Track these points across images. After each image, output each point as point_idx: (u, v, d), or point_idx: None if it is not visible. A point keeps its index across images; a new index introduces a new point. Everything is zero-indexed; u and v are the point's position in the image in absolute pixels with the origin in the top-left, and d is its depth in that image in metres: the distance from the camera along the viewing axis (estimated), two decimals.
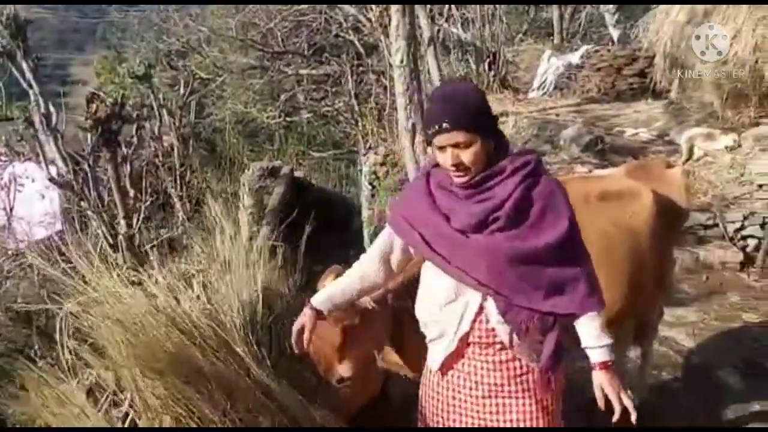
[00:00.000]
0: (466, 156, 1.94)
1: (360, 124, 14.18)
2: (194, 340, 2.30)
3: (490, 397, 2.09)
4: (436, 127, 1.94)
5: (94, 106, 5.40)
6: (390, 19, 8.24)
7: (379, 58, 14.16)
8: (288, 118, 16.62)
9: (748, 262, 5.77)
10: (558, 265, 2.01)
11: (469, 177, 1.98)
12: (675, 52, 8.80)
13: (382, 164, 12.09)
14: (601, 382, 2.04)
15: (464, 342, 2.08)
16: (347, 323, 2.31)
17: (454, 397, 2.14)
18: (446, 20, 12.69)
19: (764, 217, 5.92)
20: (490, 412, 2.09)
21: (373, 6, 9.92)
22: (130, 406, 2.19)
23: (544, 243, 1.97)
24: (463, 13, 12.81)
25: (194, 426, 1.87)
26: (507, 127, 8.89)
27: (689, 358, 4.28)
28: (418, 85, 8.73)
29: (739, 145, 6.89)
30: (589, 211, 2.74)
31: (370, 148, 13.19)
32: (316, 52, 16.18)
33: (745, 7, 7.70)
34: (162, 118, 11.13)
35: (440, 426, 2.16)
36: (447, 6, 12.76)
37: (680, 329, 4.68)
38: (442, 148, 1.96)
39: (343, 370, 2.33)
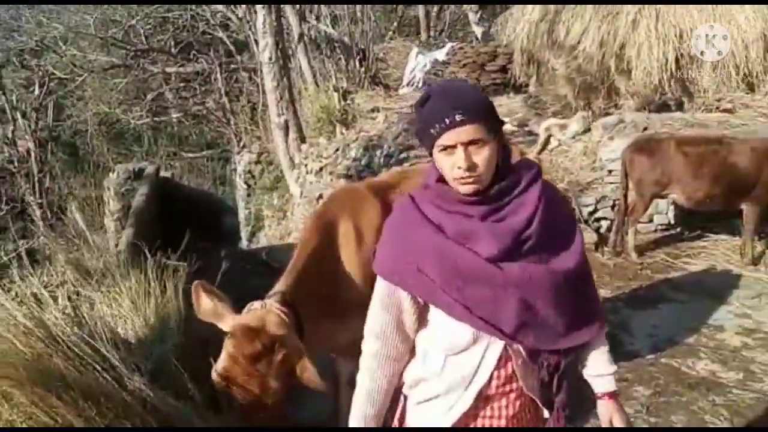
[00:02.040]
0: (480, 157, 1.57)
1: (232, 122, 13.99)
2: (57, 349, 2.22)
3: None
4: (446, 121, 1.55)
5: None
6: (256, 16, 8.22)
7: (250, 55, 14.01)
8: (156, 118, 16.10)
9: (601, 242, 6.20)
10: (584, 284, 1.74)
11: (479, 185, 1.60)
12: (532, 48, 9.35)
13: (257, 162, 12.03)
14: (612, 414, 1.80)
15: (479, 397, 1.71)
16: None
17: None
18: (316, 18, 12.75)
19: (614, 200, 6.36)
20: None
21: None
22: None
23: (575, 261, 1.69)
24: (332, 11, 12.92)
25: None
26: (378, 122, 9.08)
27: None
28: (289, 82, 8.77)
29: (589, 129, 7.38)
30: None
31: (243, 147, 13.05)
32: (183, 49, 15.77)
33: (590, 6, 8.29)
34: (16, 121, 10.52)
35: None
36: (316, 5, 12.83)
37: None
38: (449, 149, 1.58)
39: (274, 382, 2.12)
